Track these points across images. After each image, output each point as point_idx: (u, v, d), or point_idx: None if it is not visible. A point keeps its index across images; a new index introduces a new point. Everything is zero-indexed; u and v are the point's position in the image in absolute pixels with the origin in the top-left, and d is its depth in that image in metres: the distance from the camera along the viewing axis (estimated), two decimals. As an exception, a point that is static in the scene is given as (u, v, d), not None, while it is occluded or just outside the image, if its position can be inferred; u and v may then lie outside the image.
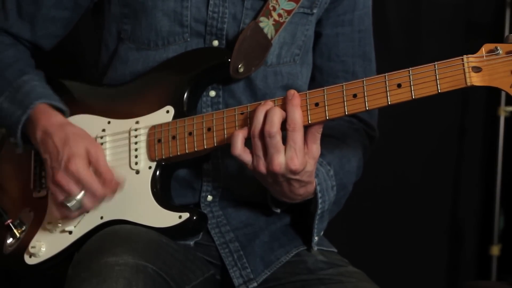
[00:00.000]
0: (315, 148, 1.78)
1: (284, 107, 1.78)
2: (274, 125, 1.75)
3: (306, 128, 1.78)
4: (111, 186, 1.89)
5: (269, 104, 1.79)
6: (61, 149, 1.88)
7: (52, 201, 1.93)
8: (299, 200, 1.88)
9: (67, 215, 1.90)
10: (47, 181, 1.91)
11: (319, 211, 1.91)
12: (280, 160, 1.76)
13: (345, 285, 1.91)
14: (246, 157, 1.79)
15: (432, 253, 3.52)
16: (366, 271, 1.99)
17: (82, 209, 1.88)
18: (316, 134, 1.78)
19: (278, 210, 1.99)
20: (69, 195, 1.86)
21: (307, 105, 1.79)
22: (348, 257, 2.05)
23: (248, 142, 1.80)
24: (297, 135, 1.75)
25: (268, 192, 1.93)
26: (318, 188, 1.87)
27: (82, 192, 1.86)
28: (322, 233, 2.01)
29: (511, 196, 3.54)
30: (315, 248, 1.99)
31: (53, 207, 1.92)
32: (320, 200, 1.89)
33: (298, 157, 1.75)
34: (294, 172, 1.77)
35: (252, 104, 1.84)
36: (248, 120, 1.82)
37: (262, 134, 1.76)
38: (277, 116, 1.76)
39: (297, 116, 1.76)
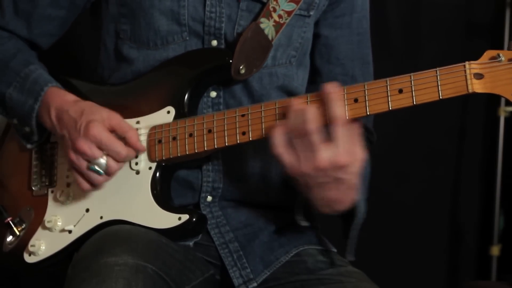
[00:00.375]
0: (358, 149, 1.73)
1: (320, 102, 1.74)
2: (313, 123, 1.70)
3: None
4: (136, 145, 1.87)
5: (299, 102, 1.75)
6: (78, 119, 1.87)
7: (76, 174, 1.89)
8: (340, 211, 1.82)
9: (95, 181, 1.88)
10: (68, 153, 1.87)
11: (356, 221, 1.89)
12: (324, 156, 1.69)
13: (345, 285, 1.91)
14: (288, 156, 1.73)
15: (432, 253, 3.52)
16: (366, 271, 1.99)
17: (108, 172, 1.87)
18: (355, 134, 1.73)
19: (307, 224, 1.94)
20: (93, 160, 1.84)
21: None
22: (348, 257, 2.05)
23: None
24: (341, 130, 1.70)
25: (297, 203, 1.90)
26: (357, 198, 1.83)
27: (105, 157, 1.85)
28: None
29: (511, 196, 3.54)
30: (350, 258, 1.95)
31: (79, 180, 1.89)
32: (360, 210, 1.87)
33: (344, 152, 1.70)
34: (342, 168, 1.71)
35: (253, 106, 1.84)
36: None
37: (303, 132, 1.71)
38: (313, 114, 1.70)
39: (339, 110, 1.71)
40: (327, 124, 1.72)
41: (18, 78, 1.98)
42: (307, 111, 1.71)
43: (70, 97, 1.95)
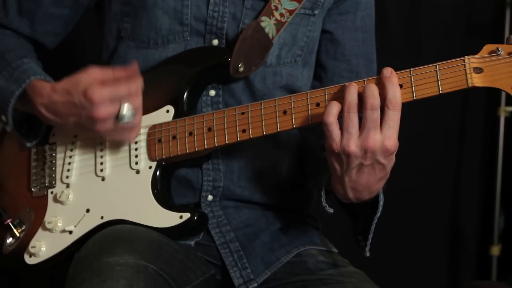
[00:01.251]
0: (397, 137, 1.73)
1: (381, 85, 1.71)
2: (377, 99, 1.68)
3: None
4: (132, 75, 1.84)
5: (355, 84, 1.72)
6: (72, 99, 1.83)
7: (112, 136, 1.89)
8: (365, 199, 1.82)
9: (133, 128, 1.87)
10: (92, 130, 1.85)
11: (378, 214, 1.87)
12: (376, 137, 1.69)
13: (346, 285, 1.91)
14: (336, 130, 1.71)
15: (432, 253, 3.52)
16: (367, 271, 1.99)
17: (137, 114, 1.85)
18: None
19: (331, 210, 1.89)
20: (118, 113, 1.81)
21: (307, 105, 1.78)
22: (349, 257, 2.05)
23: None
24: (396, 114, 1.69)
25: (324, 188, 1.87)
26: (380, 189, 1.84)
27: (125, 103, 1.82)
28: None
29: (511, 196, 3.54)
30: (368, 254, 1.93)
31: (119, 138, 1.89)
32: (381, 202, 1.86)
33: (394, 138, 1.70)
34: (387, 152, 1.71)
35: (253, 104, 1.84)
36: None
37: (360, 108, 1.69)
38: (377, 91, 1.69)
39: (398, 94, 1.70)
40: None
41: (9, 68, 1.95)
42: (369, 88, 1.70)
43: (46, 87, 1.89)
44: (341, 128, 1.71)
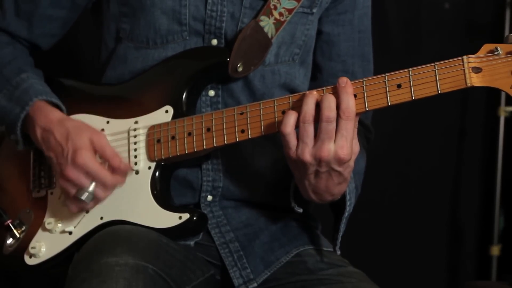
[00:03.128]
0: (356, 143, 1.76)
1: (336, 95, 1.74)
2: (333, 110, 1.71)
3: None
4: (120, 171, 1.88)
5: (315, 93, 1.75)
6: (64, 144, 1.87)
7: (66, 197, 1.91)
8: (328, 201, 1.86)
9: (83, 207, 1.90)
10: (56, 178, 1.92)
11: (346, 214, 1.90)
12: (329, 147, 1.72)
13: (345, 285, 1.91)
14: (293, 139, 1.75)
15: (432, 253, 3.52)
16: (366, 271, 1.99)
17: (96, 200, 1.88)
18: (355, 128, 1.75)
19: (301, 210, 1.95)
20: (81, 188, 1.86)
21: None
22: (348, 257, 2.05)
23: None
24: (349, 124, 1.72)
25: (291, 188, 1.91)
26: (347, 190, 1.86)
27: (94, 183, 1.86)
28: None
29: (511, 196, 3.54)
30: (339, 252, 1.96)
31: (68, 203, 1.91)
32: (348, 203, 1.89)
33: (347, 147, 1.72)
34: (341, 161, 1.73)
35: (252, 104, 1.84)
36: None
37: (315, 119, 1.73)
38: (334, 102, 1.72)
39: (351, 104, 1.72)
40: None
41: (9, 86, 1.98)
42: (326, 98, 1.73)
43: (55, 115, 1.93)
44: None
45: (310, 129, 1.73)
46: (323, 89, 1.77)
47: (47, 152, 1.91)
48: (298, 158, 1.75)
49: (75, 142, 1.87)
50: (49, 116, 1.93)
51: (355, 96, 1.75)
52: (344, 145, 1.72)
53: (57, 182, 1.95)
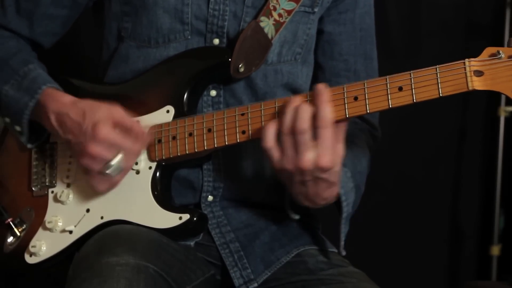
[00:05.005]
0: (340, 147, 1.76)
1: (313, 103, 1.74)
2: (305, 122, 1.72)
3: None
4: (143, 138, 1.87)
5: (298, 100, 1.76)
6: (82, 122, 1.85)
7: (90, 177, 1.88)
8: (322, 204, 1.85)
9: (111, 183, 1.88)
10: (77, 158, 1.87)
11: (345, 214, 1.90)
12: (309, 157, 1.72)
13: (346, 286, 1.91)
14: (276, 152, 1.76)
15: (432, 253, 3.52)
16: (367, 271, 1.99)
17: (124, 171, 1.87)
18: (340, 132, 1.76)
19: (297, 217, 1.97)
20: (108, 162, 1.83)
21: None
22: (349, 257, 2.05)
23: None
24: (327, 132, 1.72)
25: (286, 196, 1.93)
26: (342, 191, 1.86)
27: (120, 155, 1.83)
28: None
29: (511, 196, 3.54)
30: (344, 253, 1.96)
31: (94, 182, 1.88)
32: (344, 203, 1.88)
33: (328, 154, 1.73)
34: (323, 170, 1.74)
35: (253, 105, 1.84)
36: (275, 116, 1.80)
37: (292, 130, 1.73)
38: (307, 112, 1.73)
39: (327, 112, 1.73)
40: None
41: (17, 76, 1.97)
42: (300, 109, 1.73)
43: (67, 98, 1.92)
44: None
45: (290, 140, 1.74)
46: (306, 94, 1.77)
47: (65, 135, 1.89)
48: (283, 169, 1.76)
49: (93, 118, 1.84)
50: (61, 100, 1.91)
51: (356, 98, 1.75)
52: (324, 154, 1.73)
53: (77, 163, 1.91)
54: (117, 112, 1.86)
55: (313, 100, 1.75)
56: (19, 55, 2.02)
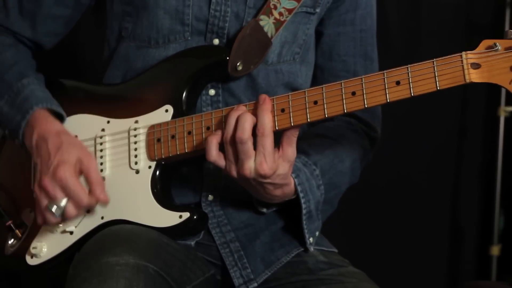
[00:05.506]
0: (290, 151, 1.79)
1: (255, 112, 1.78)
2: (245, 131, 1.76)
3: (283, 131, 1.79)
4: (98, 196, 1.88)
5: (241, 109, 1.80)
6: (53, 155, 1.88)
7: (36, 205, 1.91)
8: (278, 200, 1.89)
9: (48, 220, 1.89)
10: (34, 184, 1.91)
11: (304, 211, 1.91)
12: (249, 165, 1.77)
13: (346, 285, 1.91)
14: (221, 162, 1.80)
15: (432, 253, 3.52)
16: (367, 271, 1.99)
17: (64, 217, 1.88)
18: (292, 137, 1.79)
19: (264, 210, 1.98)
20: (53, 201, 1.86)
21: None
22: (349, 257, 2.05)
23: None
24: (266, 140, 1.77)
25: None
26: (299, 188, 1.88)
27: (66, 199, 1.86)
28: (317, 233, 1.99)
29: (511, 196, 3.54)
30: (311, 249, 1.99)
31: (37, 213, 1.91)
32: (303, 200, 1.89)
33: (267, 162, 1.77)
34: (264, 177, 1.78)
35: (251, 103, 1.83)
36: (222, 125, 1.82)
37: (234, 140, 1.77)
38: (248, 122, 1.77)
39: (266, 121, 1.77)
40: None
41: (10, 92, 1.99)
42: (241, 119, 1.77)
43: (54, 126, 1.94)
44: None
45: (231, 149, 1.78)
46: (246, 104, 1.81)
47: (36, 158, 1.92)
48: (230, 175, 1.81)
49: (63, 156, 1.87)
50: (49, 125, 1.94)
51: (354, 93, 1.76)
52: (262, 162, 1.77)
53: (33, 189, 1.93)
54: (89, 162, 1.89)
55: (255, 109, 1.78)
56: (15, 68, 2.02)
